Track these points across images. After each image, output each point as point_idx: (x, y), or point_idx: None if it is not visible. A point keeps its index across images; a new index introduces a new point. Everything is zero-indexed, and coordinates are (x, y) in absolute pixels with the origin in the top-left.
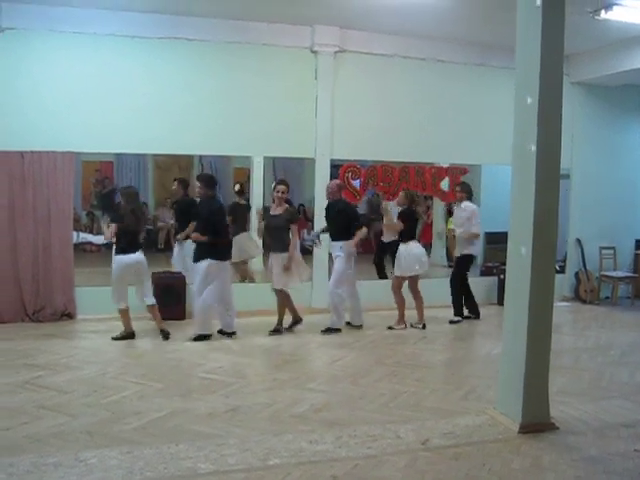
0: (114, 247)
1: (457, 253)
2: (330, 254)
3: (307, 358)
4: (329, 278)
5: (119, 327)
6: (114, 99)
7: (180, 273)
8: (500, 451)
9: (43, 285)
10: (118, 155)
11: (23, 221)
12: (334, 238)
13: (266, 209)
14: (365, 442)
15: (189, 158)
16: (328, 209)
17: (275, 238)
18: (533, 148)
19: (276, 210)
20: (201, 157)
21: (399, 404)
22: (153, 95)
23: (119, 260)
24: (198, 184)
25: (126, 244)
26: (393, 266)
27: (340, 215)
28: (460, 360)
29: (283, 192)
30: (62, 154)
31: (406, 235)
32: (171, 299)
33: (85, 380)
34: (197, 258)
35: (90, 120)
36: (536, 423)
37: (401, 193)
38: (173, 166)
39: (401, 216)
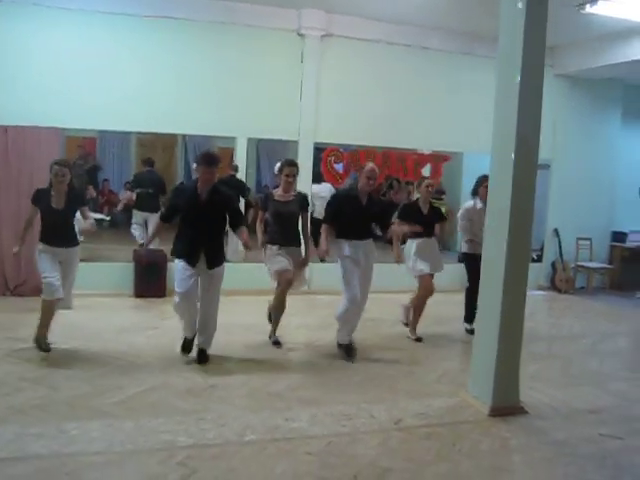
0: None
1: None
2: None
3: (285, 339)
4: None
5: (99, 303)
6: (99, 76)
7: (161, 250)
8: (470, 432)
9: (25, 260)
10: (102, 132)
11: (6, 195)
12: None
13: (267, 196)
14: (339, 420)
15: (173, 137)
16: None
17: (287, 229)
18: (513, 156)
19: (285, 196)
20: (185, 136)
21: (374, 385)
22: (138, 73)
23: None
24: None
25: None
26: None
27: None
28: (435, 344)
29: (294, 175)
30: (46, 129)
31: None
32: (152, 276)
33: (66, 354)
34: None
35: (75, 96)
36: (506, 407)
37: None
38: (156, 144)
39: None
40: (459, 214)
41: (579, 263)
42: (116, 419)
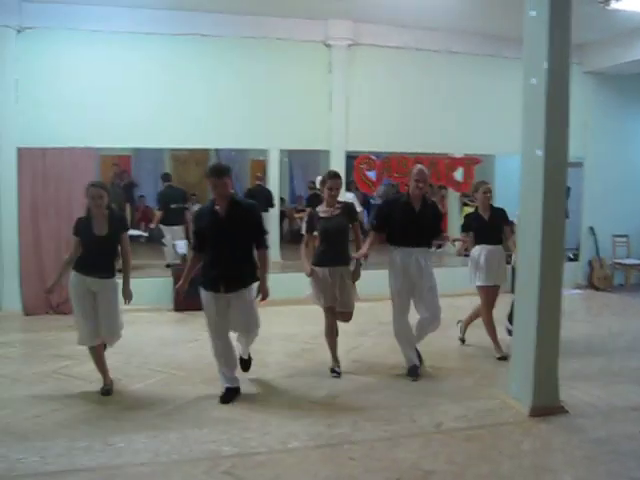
0: None
1: None
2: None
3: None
4: None
5: (139, 318)
6: (132, 95)
7: None
8: (511, 433)
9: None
10: (136, 149)
11: (46, 217)
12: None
13: (311, 216)
14: (380, 426)
15: (206, 152)
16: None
17: (336, 245)
18: (540, 153)
19: (330, 210)
20: (218, 150)
21: (413, 389)
22: (170, 90)
23: None
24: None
25: None
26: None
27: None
28: (473, 347)
29: (337, 188)
30: (82, 150)
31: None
32: (190, 290)
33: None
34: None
35: (109, 116)
36: (546, 407)
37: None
38: (190, 159)
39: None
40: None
41: (616, 260)
42: (161, 431)
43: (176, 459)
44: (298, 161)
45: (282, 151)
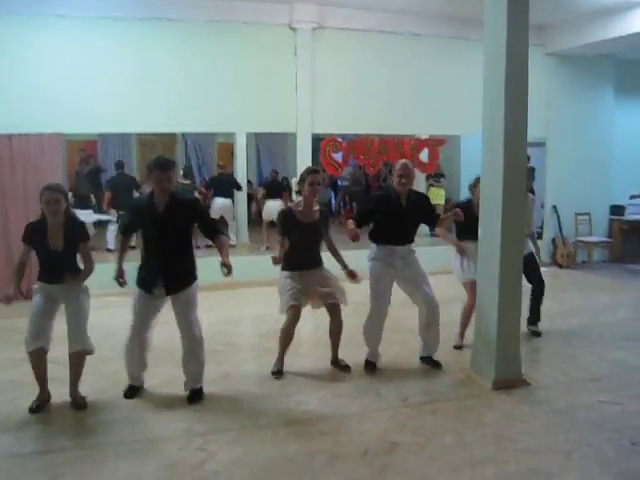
0: None
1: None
2: None
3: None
4: None
5: (109, 302)
6: (98, 80)
7: None
8: (475, 406)
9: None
10: (102, 134)
11: (14, 203)
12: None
13: (285, 214)
14: (349, 401)
15: (173, 136)
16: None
17: (310, 251)
18: (502, 136)
19: (308, 214)
20: (184, 134)
21: (381, 366)
22: (136, 75)
23: None
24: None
25: None
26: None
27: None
28: (441, 324)
29: (319, 183)
30: (49, 136)
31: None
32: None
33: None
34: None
35: (75, 101)
36: (508, 380)
37: None
38: (157, 143)
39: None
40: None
41: (579, 238)
42: (135, 411)
43: (151, 437)
44: (265, 144)
45: (249, 134)
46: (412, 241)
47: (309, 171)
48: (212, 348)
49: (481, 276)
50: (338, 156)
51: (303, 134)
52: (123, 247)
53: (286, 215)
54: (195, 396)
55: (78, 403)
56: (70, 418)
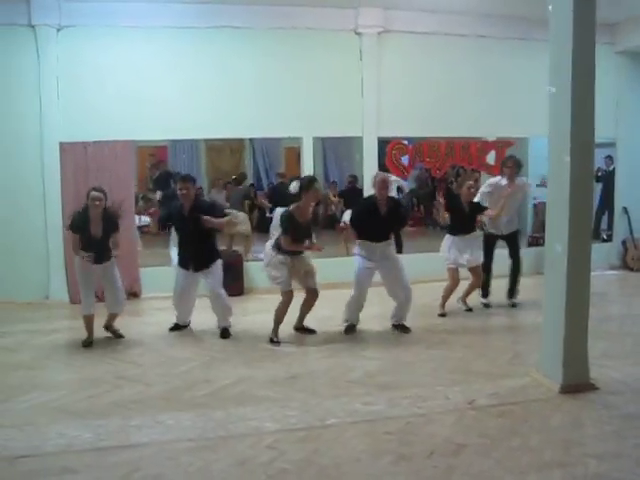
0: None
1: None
2: None
3: (361, 328)
4: None
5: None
6: (168, 88)
7: (236, 251)
8: (541, 409)
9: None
10: (172, 139)
11: None
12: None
13: (289, 218)
14: (416, 403)
15: (240, 140)
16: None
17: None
18: (553, 90)
19: (306, 219)
20: (252, 139)
21: (448, 369)
22: (203, 82)
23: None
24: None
25: None
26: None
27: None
28: (506, 327)
29: (319, 198)
30: (122, 143)
31: None
32: (230, 276)
33: (155, 353)
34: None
35: (147, 109)
36: (576, 384)
37: None
38: (225, 148)
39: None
40: (482, 188)
41: None
42: (207, 409)
43: (222, 435)
44: (332, 147)
45: (316, 138)
46: (389, 238)
47: (311, 180)
48: (281, 350)
49: (548, 279)
50: (405, 159)
51: (369, 138)
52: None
53: (290, 218)
54: (224, 333)
55: (116, 334)
56: (147, 416)
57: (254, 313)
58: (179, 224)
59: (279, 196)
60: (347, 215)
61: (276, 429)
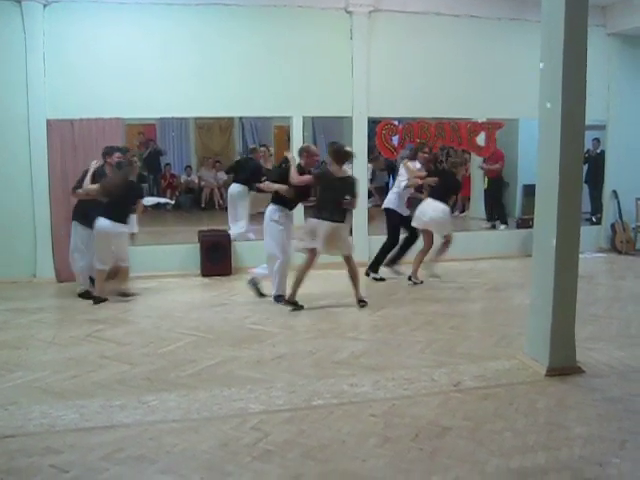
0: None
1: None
2: None
3: (347, 309)
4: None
5: (167, 284)
6: (156, 65)
7: (224, 230)
8: (527, 392)
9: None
10: (160, 117)
11: None
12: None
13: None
14: (401, 385)
15: (230, 119)
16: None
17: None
18: (548, 105)
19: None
20: (241, 118)
21: (434, 350)
22: (193, 60)
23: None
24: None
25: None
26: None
27: None
28: (493, 309)
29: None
30: (109, 120)
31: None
32: (217, 256)
33: (141, 332)
34: None
35: (135, 86)
36: (563, 367)
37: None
38: (214, 126)
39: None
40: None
41: (639, 224)
42: (191, 390)
43: (206, 416)
44: (322, 127)
45: (306, 117)
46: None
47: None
48: (268, 330)
49: (535, 262)
50: (394, 139)
51: (359, 118)
52: None
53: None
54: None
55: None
56: (131, 396)
57: (241, 293)
58: None
59: (241, 172)
60: None
61: (261, 410)
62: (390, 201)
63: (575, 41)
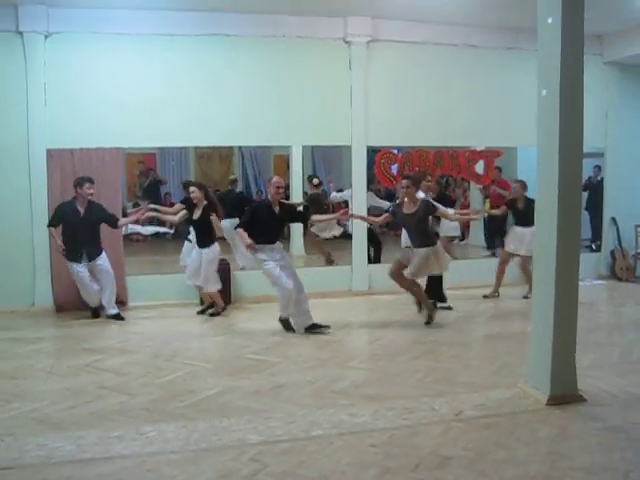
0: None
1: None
2: None
3: (347, 338)
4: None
5: (167, 313)
6: (156, 95)
7: (225, 260)
8: (528, 421)
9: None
10: (160, 147)
11: None
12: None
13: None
14: (401, 414)
15: (230, 148)
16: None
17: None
18: (544, 92)
19: (410, 207)
20: (241, 147)
21: (434, 379)
22: (193, 89)
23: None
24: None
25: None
26: None
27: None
28: (495, 337)
29: (407, 187)
30: (110, 150)
31: None
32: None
33: (140, 362)
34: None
35: (135, 116)
36: (564, 395)
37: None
38: (214, 155)
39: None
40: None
41: (639, 251)
42: (190, 421)
43: (205, 447)
44: (321, 156)
45: (305, 146)
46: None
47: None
48: (267, 360)
49: (537, 289)
50: (393, 168)
51: (358, 147)
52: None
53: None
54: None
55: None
56: (129, 427)
57: (240, 322)
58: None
59: (224, 206)
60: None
61: (260, 441)
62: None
63: (572, 69)
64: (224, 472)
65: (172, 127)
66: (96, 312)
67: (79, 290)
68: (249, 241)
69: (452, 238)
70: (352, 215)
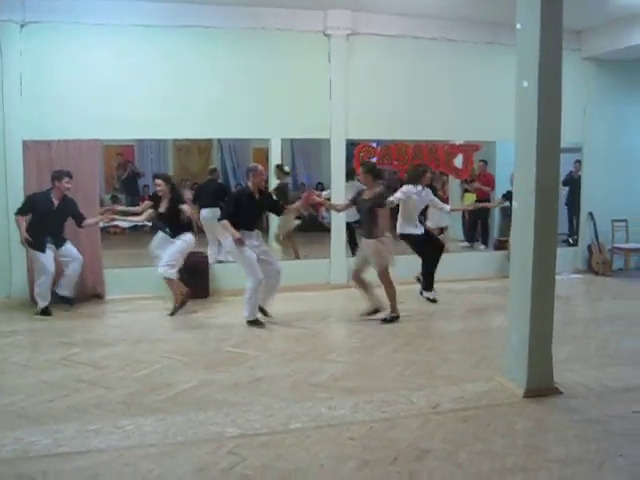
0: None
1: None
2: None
3: (326, 331)
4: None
5: (144, 306)
6: (134, 87)
7: (202, 253)
8: (505, 414)
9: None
10: (138, 139)
11: None
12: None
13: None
14: (380, 407)
15: (208, 140)
16: None
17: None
18: (525, 84)
19: (368, 194)
20: (220, 139)
21: (413, 372)
22: (171, 82)
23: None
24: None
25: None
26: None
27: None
28: (472, 331)
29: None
30: (87, 141)
31: None
32: (195, 278)
33: (117, 355)
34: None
35: (113, 108)
36: (540, 388)
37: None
38: (192, 148)
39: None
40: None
41: (615, 245)
42: (167, 414)
43: (182, 441)
44: (300, 149)
45: (284, 139)
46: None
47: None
48: (245, 353)
49: (512, 283)
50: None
51: (337, 140)
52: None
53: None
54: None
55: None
56: (106, 420)
57: (219, 316)
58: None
59: (204, 196)
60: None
61: (238, 434)
62: (401, 226)
63: (550, 64)
64: (202, 465)
65: (150, 119)
66: (47, 310)
67: (34, 282)
68: (238, 235)
69: (442, 229)
70: (313, 199)
